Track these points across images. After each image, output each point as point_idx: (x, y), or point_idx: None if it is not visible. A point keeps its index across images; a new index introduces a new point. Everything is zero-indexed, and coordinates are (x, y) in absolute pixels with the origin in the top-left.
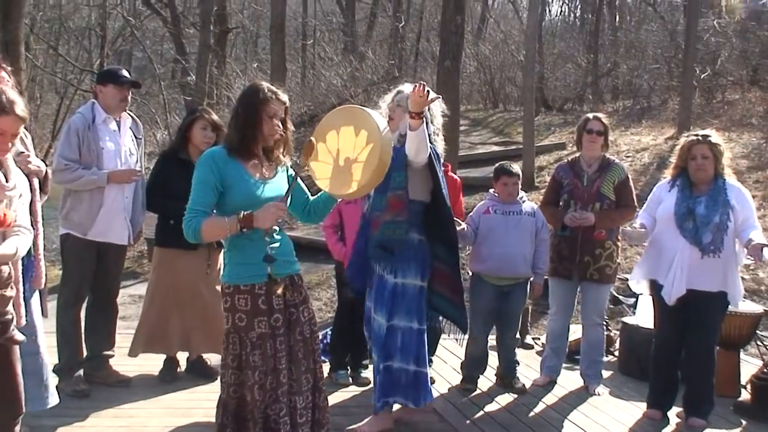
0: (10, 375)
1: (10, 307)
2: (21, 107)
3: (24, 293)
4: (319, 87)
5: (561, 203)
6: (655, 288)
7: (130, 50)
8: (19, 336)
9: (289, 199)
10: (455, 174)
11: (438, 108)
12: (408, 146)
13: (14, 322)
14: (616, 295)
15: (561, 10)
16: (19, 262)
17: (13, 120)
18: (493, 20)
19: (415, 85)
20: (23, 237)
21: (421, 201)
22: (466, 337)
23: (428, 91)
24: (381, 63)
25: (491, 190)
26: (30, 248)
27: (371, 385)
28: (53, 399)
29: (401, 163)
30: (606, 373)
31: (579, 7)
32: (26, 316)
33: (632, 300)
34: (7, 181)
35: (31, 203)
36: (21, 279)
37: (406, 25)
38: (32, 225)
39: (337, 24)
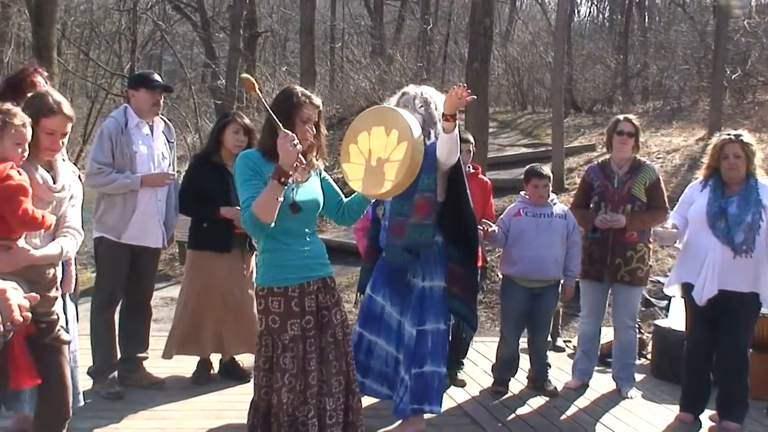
0: (60, 376)
1: (55, 308)
2: (68, 106)
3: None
4: (348, 90)
5: (591, 205)
6: (687, 290)
7: (160, 54)
8: (65, 336)
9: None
10: (485, 176)
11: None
12: (440, 149)
13: (60, 322)
14: (648, 297)
15: (590, 11)
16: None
17: (61, 119)
18: (521, 21)
19: (455, 86)
20: (71, 239)
21: (441, 202)
22: (497, 339)
23: (469, 92)
24: (409, 65)
25: (522, 192)
26: None
27: None
28: (80, 400)
29: (431, 165)
30: (638, 376)
31: (608, 7)
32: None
33: (664, 302)
34: (54, 183)
35: None
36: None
37: (434, 27)
38: None
39: (365, 27)
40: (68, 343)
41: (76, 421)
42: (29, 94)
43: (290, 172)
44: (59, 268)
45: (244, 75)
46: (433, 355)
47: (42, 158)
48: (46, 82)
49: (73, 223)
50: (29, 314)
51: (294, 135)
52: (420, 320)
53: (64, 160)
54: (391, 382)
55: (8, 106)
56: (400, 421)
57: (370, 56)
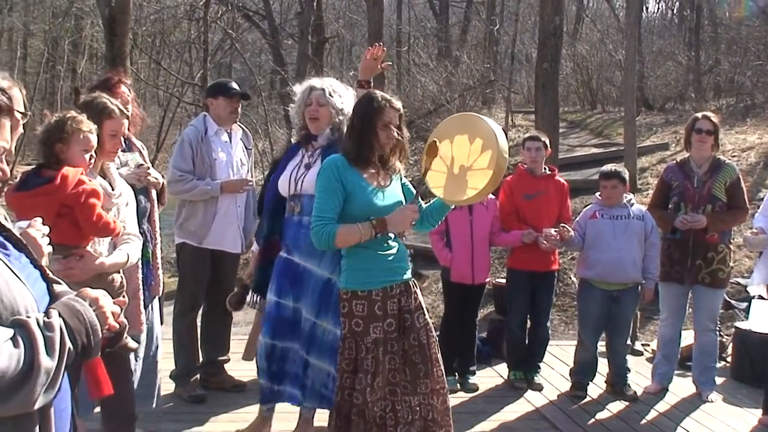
0: (126, 383)
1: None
2: (120, 106)
3: (144, 300)
4: (415, 93)
5: (670, 206)
6: None
7: (229, 63)
8: (132, 343)
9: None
10: (561, 178)
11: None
12: None
13: (126, 329)
14: (728, 299)
15: (659, 7)
16: (140, 271)
17: (122, 120)
18: (589, 19)
19: (371, 47)
20: (133, 244)
21: None
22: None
23: (385, 50)
24: (476, 67)
25: (597, 194)
26: (149, 257)
27: (479, 391)
28: (159, 402)
29: None
30: (718, 380)
31: (677, 3)
32: (146, 322)
33: (744, 304)
34: (113, 190)
35: (150, 213)
36: (141, 287)
37: (500, 27)
38: (151, 235)
39: (431, 29)
40: (135, 350)
41: (158, 424)
42: (81, 101)
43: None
44: (142, 274)
45: (434, 140)
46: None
47: (104, 161)
48: (130, 91)
49: (131, 229)
50: (124, 320)
51: (417, 210)
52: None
53: (141, 158)
54: (292, 379)
55: (73, 113)
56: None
57: (436, 59)
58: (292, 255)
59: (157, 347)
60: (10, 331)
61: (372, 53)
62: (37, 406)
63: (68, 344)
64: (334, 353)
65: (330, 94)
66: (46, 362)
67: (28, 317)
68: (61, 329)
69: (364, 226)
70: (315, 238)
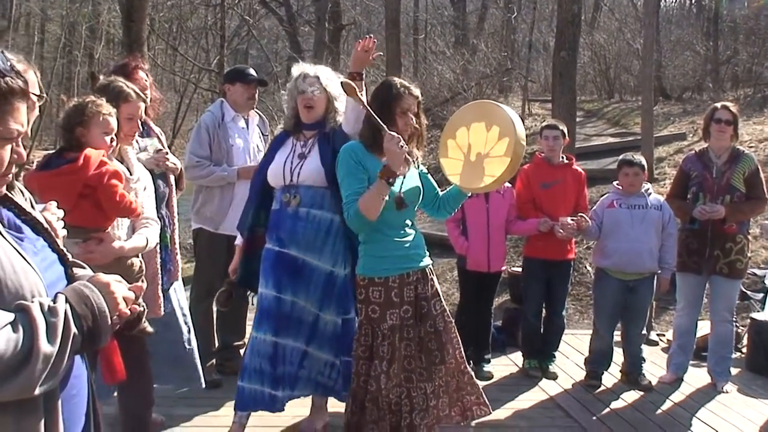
0: (144, 366)
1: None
2: (137, 90)
3: (162, 285)
4: (432, 81)
5: (689, 196)
6: None
7: (246, 49)
8: (149, 328)
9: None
10: (579, 167)
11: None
12: (347, 114)
13: (145, 314)
14: (744, 290)
15: None
16: (158, 256)
17: (138, 103)
18: (607, 8)
19: (360, 40)
20: (152, 228)
21: None
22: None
23: (375, 41)
24: (493, 55)
25: (615, 183)
26: (167, 242)
27: (494, 379)
28: (202, 382)
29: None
30: (733, 370)
31: None
32: (165, 307)
33: (760, 295)
34: (131, 174)
35: (169, 199)
36: (160, 272)
37: (517, 15)
38: (169, 220)
39: (448, 17)
40: (151, 335)
41: (175, 408)
42: (98, 85)
43: (397, 172)
44: (160, 259)
45: (344, 81)
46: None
47: (121, 144)
48: (147, 76)
49: (149, 213)
50: (137, 306)
51: (400, 136)
52: (345, 309)
53: (160, 143)
54: (289, 380)
55: (93, 97)
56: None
57: (453, 47)
58: (287, 248)
59: (189, 329)
60: (11, 316)
61: (363, 45)
62: (38, 391)
63: (73, 330)
64: (333, 342)
65: (325, 82)
66: (46, 348)
67: (32, 302)
68: (66, 315)
69: (374, 184)
70: (348, 222)
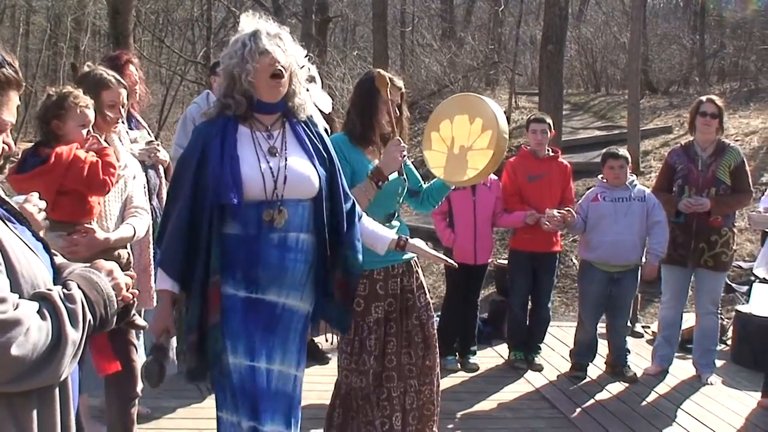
0: (129, 358)
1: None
2: (117, 76)
3: (154, 276)
4: (419, 74)
5: (675, 189)
6: None
7: None
8: (140, 321)
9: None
10: (564, 160)
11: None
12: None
13: (135, 307)
14: (729, 282)
15: None
16: (151, 246)
17: (120, 90)
18: (594, 1)
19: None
20: (141, 218)
21: None
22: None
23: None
24: (480, 48)
25: (599, 176)
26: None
27: (480, 371)
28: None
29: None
30: (717, 363)
31: None
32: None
33: (745, 288)
34: (118, 161)
35: (159, 191)
36: (152, 263)
37: (505, 8)
38: (159, 212)
39: (435, 10)
40: (142, 328)
41: (160, 400)
42: (80, 74)
43: (388, 177)
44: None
45: (378, 71)
46: None
47: (107, 131)
48: (137, 70)
49: (139, 203)
50: (137, 291)
51: (405, 145)
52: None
53: (149, 135)
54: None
55: (70, 88)
56: None
57: (440, 39)
58: (264, 292)
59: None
60: (36, 305)
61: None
62: (62, 377)
63: (89, 316)
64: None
65: (291, 45)
66: (73, 334)
67: (49, 290)
68: (82, 301)
69: (364, 183)
70: None
